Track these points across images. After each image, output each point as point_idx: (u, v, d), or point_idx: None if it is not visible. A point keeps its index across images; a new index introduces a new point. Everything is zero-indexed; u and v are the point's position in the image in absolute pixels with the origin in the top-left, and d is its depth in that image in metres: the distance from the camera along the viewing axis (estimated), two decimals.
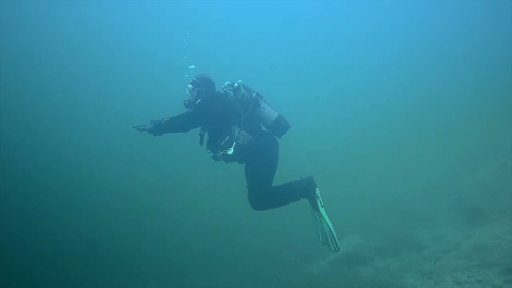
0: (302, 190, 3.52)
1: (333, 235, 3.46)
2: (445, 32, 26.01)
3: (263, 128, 3.74)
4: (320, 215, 3.49)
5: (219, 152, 3.44)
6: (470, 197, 8.68)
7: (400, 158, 13.39)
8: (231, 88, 3.67)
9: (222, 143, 3.44)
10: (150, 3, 27.00)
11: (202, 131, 3.65)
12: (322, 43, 29.28)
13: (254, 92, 3.61)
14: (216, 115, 3.45)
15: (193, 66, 4.16)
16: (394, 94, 22.08)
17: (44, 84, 22.82)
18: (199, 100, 3.53)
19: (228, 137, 3.43)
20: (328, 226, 3.45)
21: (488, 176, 8.97)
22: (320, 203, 3.49)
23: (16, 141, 18.53)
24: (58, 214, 14.26)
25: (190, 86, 3.66)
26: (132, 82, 26.51)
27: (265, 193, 3.48)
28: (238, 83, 3.62)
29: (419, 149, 13.40)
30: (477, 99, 16.12)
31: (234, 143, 3.36)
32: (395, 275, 7.11)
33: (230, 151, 3.35)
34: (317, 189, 3.53)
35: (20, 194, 15.39)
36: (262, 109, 3.58)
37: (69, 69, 24.21)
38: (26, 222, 13.38)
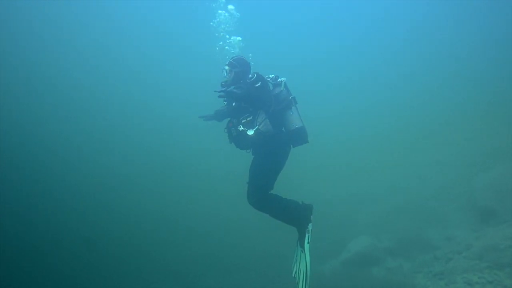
0: (297, 218, 3.58)
1: (306, 277, 3.41)
2: (462, 25, 26.02)
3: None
4: (303, 251, 3.49)
5: (240, 127, 3.60)
6: (482, 197, 8.93)
7: (412, 158, 13.64)
8: (273, 82, 3.90)
9: (243, 121, 3.62)
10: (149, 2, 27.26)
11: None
12: (330, 39, 29.46)
13: (291, 95, 3.84)
14: (257, 96, 3.60)
15: None
16: (406, 94, 22.24)
17: (42, 83, 23.19)
18: (254, 75, 3.67)
19: (251, 117, 3.61)
20: (305, 265, 3.43)
21: (501, 177, 9.18)
22: (308, 239, 3.50)
23: (15, 140, 18.76)
24: (59, 215, 14.56)
25: (227, 67, 3.89)
26: (133, 81, 26.91)
27: (264, 192, 3.63)
28: (281, 79, 3.85)
29: (431, 149, 13.64)
30: (490, 99, 16.30)
31: (256, 127, 3.55)
32: (407, 275, 7.46)
33: (250, 132, 3.52)
34: (310, 224, 3.56)
35: (20, 194, 15.66)
36: (291, 113, 3.75)
37: (69, 68, 24.57)
38: (27, 222, 13.64)
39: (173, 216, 13.71)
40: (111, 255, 11.50)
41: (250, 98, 3.54)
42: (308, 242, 3.49)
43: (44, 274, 10.68)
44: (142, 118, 24.15)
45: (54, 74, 23.63)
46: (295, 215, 3.60)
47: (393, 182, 12.18)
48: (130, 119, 24.26)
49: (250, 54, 4.89)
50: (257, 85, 3.60)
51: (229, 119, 3.91)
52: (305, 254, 3.46)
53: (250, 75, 3.70)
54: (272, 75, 3.91)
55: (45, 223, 13.68)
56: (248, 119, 3.63)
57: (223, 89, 3.48)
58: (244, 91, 3.49)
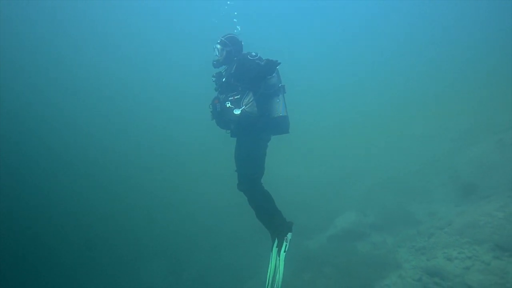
0: (279, 225, 3.59)
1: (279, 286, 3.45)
2: (444, 9, 25.84)
3: None
4: (279, 259, 3.49)
5: (227, 103, 3.64)
6: (465, 173, 9.31)
7: (397, 135, 13.93)
8: None
9: (230, 98, 3.66)
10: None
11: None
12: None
13: (281, 83, 3.86)
14: (247, 75, 3.63)
15: None
16: (390, 71, 22.37)
17: (44, 84, 22.85)
18: (258, 54, 3.74)
19: (239, 96, 3.64)
20: (279, 274, 3.45)
21: (484, 152, 9.51)
22: (285, 247, 3.49)
23: (16, 142, 18.66)
24: (54, 200, 14.67)
25: (218, 46, 3.90)
26: (131, 81, 26.49)
27: (254, 180, 3.69)
28: None
29: (416, 125, 13.93)
30: (474, 75, 16.59)
31: (243, 107, 3.58)
32: (391, 250, 7.84)
33: (237, 111, 3.56)
34: (289, 234, 3.57)
35: (21, 194, 15.65)
36: (278, 101, 3.78)
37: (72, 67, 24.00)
38: (27, 222, 13.70)
39: (163, 201, 14.00)
40: (105, 238, 11.78)
41: (270, 71, 3.56)
42: (284, 251, 3.48)
43: (46, 271, 10.94)
44: (137, 116, 24.20)
45: (59, 75, 23.72)
46: (278, 221, 3.65)
47: (379, 159, 12.52)
48: (127, 117, 24.25)
49: (238, 27, 4.80)
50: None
51: (214, 96, 3.93)
52: (280, 263, 3.46)
53: (254, 53, 3.72)
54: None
55: (46, 220, 13.72)
56: (235, 97, 3.64)
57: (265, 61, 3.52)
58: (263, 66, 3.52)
